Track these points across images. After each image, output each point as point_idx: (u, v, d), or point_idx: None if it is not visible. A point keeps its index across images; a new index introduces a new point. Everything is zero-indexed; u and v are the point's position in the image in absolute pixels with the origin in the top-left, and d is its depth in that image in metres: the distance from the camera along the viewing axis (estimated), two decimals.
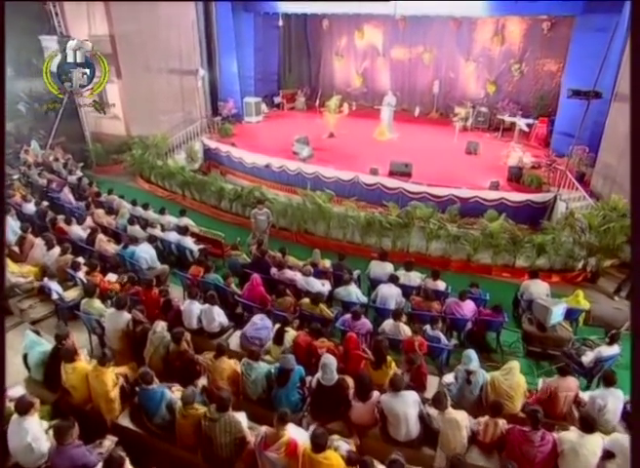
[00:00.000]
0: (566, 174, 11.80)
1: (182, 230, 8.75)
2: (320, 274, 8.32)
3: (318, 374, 4.93)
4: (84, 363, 4.94)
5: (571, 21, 15.25)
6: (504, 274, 9.97)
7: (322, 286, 7.52)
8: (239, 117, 17.40)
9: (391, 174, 12.70)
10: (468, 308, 7.15)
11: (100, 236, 8.41)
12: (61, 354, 4.89)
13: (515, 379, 5.22)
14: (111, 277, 7.48)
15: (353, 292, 7.31)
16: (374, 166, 12.74)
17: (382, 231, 10.28)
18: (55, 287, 6.79)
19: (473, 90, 17.97)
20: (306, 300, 6.83)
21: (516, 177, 12.23)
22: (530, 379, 6.04)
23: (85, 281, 7.11)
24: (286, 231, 11.24)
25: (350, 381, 5.03)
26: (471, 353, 5.37)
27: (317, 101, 17.67)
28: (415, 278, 7.97)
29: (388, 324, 6.57)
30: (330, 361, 4.84)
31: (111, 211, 10.64)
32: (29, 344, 5.11)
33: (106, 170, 15.17)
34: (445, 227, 9.92)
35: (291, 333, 5.89)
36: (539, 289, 7.81)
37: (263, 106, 18.19)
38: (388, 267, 8.20)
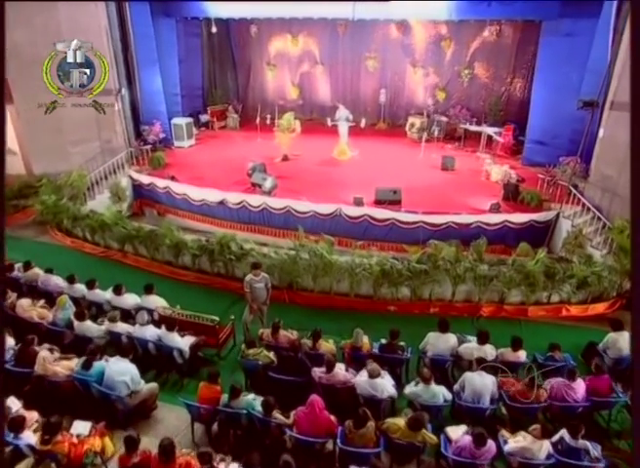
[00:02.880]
0: (566, 188, 10.99)
1: (168, 324, 6.14)
2: (362, 359, 6.33)
3: None
4: None
5: (518, 26, 14.81)
6: (541, 313, 8.70)
7: (392, 386, 5.52)
8: (168, 142, 14.55)
9: (378, 202, 10.95)
10: (581, 389, 5.61)
11: (45, 354, 5.53)
12: None
13: None
14: (80, 427, 4.77)
15: (439, 393, 5.40)
16: (357, 195, 10.89)
17: (400, 280, 8.46)
18: None
19: (422, 97, 16.90)
20: (399, 424, 4.75)
21: (513, 196, 11.14)
22: None
23: (38, 448, 4.39)
24: (274, 289, 8.96)
25: None
26: None
27: (258, 118, 15.35)
28: (490, 351, 6.25)
29: (516, 440, 4.77)
30: None
31: (34, 293, 7.63)
32: None
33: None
34: (476, 268, 8.37)
35: None
36: (629, 343, 6.53)
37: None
38: (452, 340, 6.44)
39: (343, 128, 13.88)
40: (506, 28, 14.97)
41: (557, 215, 10.75)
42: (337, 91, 17.67)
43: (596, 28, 11.01)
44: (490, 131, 13.68)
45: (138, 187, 12.79)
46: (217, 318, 6.79)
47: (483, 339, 6.23)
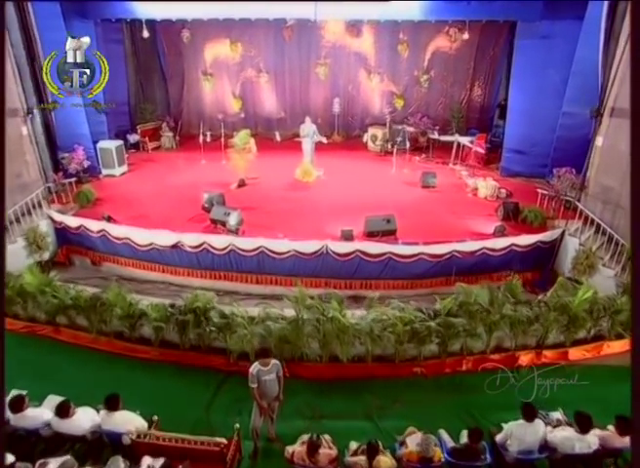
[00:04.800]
0: (563, 202, 10.12)
1: None
2: None
3: None
4: None
5: (477, 28, 13.94)
6: (582, 354, 7.54)
7: None
8: (94, 171, 11.95)
9: (369, 235, 9.32)
10: None
11: None
12: None
13: None
14: None
15: None
16: (345, 227, 9.19)
17: (430, 337, 6.88)
18: None
19: (378, 106, 15.63)
20: None
21: (514, 214, 10.02)
22: None
23: None
24: None
25: None
26: None
27: (200, 136, 13.18)
28: (593, 440, 4.82)
29: None
30: None
31: None
32: None
33: None
34: (518, 312, 7.00)
35: None
36: None
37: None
38: (541, 428, 4.94)
39: (308, 145, 12.14)
40: (465, 30, 14.07)
41: (562, 233, 9.80)
42: (284, 102, 15.92)
43: (579, 30, 10.24)
44: (464, 140, 12.60)
45: (62, 231, 10.15)
46: (223, 440, 4.74)
47: (585, 427, 4.76)
